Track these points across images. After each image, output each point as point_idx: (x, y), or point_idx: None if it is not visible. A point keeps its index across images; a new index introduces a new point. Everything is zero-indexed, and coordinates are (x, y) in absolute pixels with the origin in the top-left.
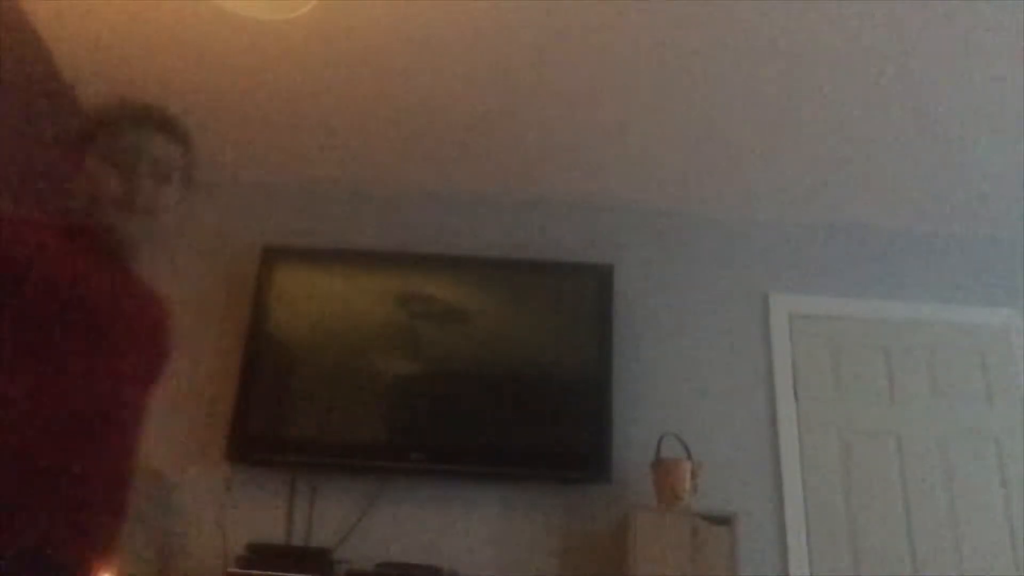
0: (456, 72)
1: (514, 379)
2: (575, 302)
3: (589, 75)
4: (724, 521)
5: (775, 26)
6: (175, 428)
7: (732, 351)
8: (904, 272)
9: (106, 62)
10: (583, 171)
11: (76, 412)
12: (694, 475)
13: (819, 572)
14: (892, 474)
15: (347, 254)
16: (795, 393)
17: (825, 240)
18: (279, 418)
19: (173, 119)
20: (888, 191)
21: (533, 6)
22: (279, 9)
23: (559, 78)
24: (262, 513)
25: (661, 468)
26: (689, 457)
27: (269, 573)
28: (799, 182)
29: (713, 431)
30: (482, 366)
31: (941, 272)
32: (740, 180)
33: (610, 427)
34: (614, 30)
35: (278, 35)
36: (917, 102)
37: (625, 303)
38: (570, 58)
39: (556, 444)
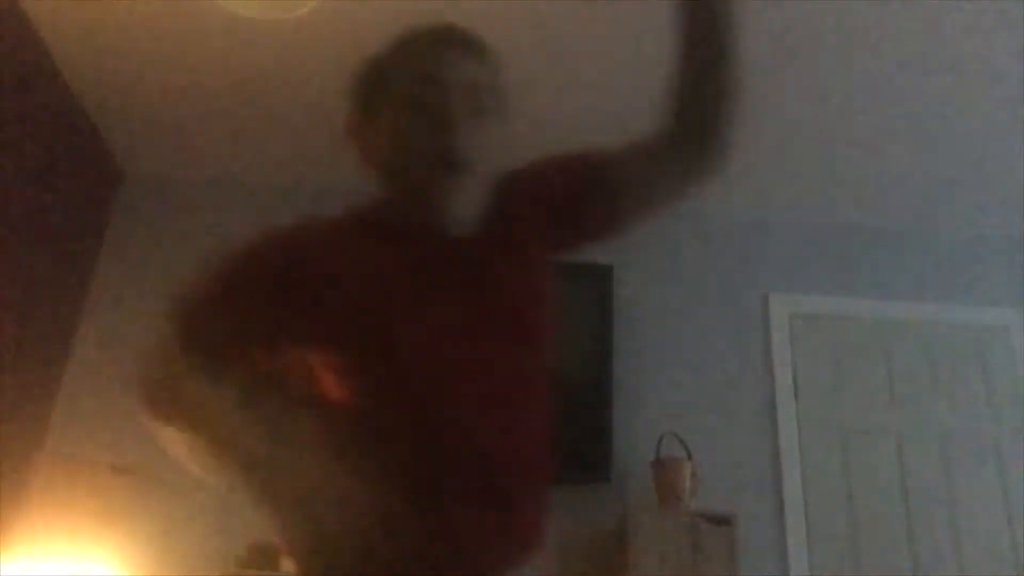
0: None
1: None
2: (575, 302)
3: (588, 74)
4: (724, 521)
5: (774, 25)
6: None
7: (732, 351)
8: (904, 272)
9: (106, 62)
10: None
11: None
12: (694, 475)
13: (819, 572)
14: (892, 474)
15: None
16: (795, 393)
17: (825, 240)
18: None
19: (477, 37)
20: (888, 191)
21: (532, 6)
22: (279, 9)
23: (558, 77)
24: None
25: (661, 468)
26: (689, 457)
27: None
28: (799, 182)
29: (713, 431)
30: None
31: (941, 272)
32: (740, 179)
33: (610, 427)
34: (613, 29)
35: (278, 35)
36: (917, 101)
37: (625, 303)
38: (569, 57)
39: (556, 444)
